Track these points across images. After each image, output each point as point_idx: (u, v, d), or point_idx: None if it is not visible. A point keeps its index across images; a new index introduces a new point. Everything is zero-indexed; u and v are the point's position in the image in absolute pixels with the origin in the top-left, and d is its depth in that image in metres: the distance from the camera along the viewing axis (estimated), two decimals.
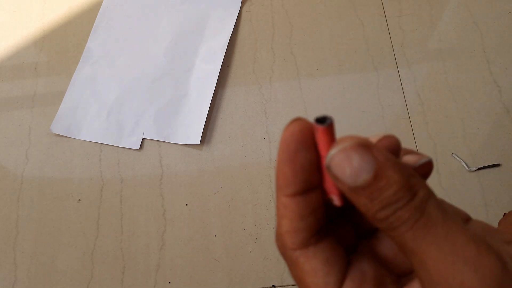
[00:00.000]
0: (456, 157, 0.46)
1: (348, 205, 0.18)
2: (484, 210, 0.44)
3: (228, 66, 0.52)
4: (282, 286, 0.42)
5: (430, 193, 0.16)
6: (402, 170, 0.16)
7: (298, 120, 0.17)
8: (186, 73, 0.52)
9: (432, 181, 0.45)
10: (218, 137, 0.49)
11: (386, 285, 0.18)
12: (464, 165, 0.45)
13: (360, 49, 0.52)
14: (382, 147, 0.16)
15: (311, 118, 0.49)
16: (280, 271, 0.42)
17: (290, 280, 0.42)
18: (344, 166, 0.16)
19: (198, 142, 0.48)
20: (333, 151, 0.16)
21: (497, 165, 0.45)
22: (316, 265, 0.17)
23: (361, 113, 0.49)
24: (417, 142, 0.47)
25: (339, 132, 0.44)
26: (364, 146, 0.16)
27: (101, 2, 0.57)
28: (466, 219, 0.18)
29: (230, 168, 0.47)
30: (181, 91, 0.51)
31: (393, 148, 0.17)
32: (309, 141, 0.17)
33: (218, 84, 0.51)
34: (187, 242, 0.44)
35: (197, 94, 0.50)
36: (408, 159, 0.18)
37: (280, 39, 0.53)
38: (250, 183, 0.46)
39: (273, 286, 0.42)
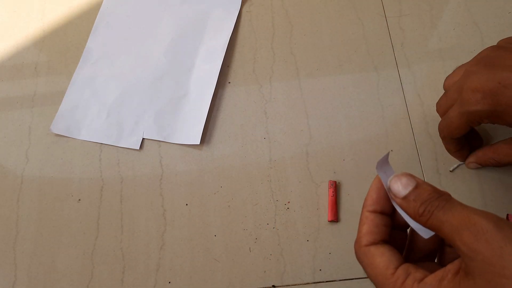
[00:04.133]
0: None
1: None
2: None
3: (228, 66, 0.52)
4: (282, 286, 0.42)
5: (451, 196, 0.26)
6: (431, 185, 0.26)
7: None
8: (186, 73, 0.52)
9: (432, 181, 0.45)
10: (218, 137, 0.49)
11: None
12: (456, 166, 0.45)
13: (360, 49, 0.52)
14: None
15: (311, 117, 0.49)
16: (280, 271, 0.42)
17: (290, 280, 0.42)
18: (397, 183, 0.27)
19: (198, 142, 0.48)
20: (391, 177, 0.27)
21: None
22: (383, 250, 0.27)
23: (361, 113, 0.49)
24: (417, 142, 0.47)
25: (340, 131, 0.44)
26: (408, 173, 0.27)
27: (101, 2, 0.57)
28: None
29: (230, 168, 0.47)
30: (181, 91, 0.51)
31: None
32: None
33: (218, 84, 0.51)
34: (187, 242, 0.44)
35: (197, 94, 0.50)
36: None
37: (280, 39, 0.53)
38: (250, 183, 0.46)
39: (273, 286, 0.42)
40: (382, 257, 0.26)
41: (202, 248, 0.44)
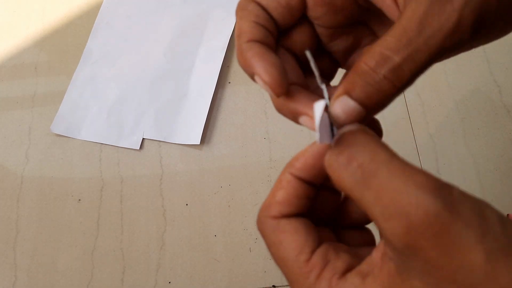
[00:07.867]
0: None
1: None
2: None
3: (228, 66, 0.52)
4: (282, 286, 0.42)
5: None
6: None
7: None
8: (186, 73, 0.52)
9: None
10: (218, 137, 0.49)
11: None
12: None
13: None
14: None
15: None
16: (280, 271, 0.42)
17: None
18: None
19: (198, 142, 0.48)
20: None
21: None
22: (297, 226, 0.19)
23: None
24: (417, 142, 0.47)
25: None
26: None
27: (101, 2, 0.57)
28: None
29: (230, 168, 0.47)
30: (181, 91, 0.51)
31: None
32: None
33: (218, 84, 0.51)
34: (187, 242, 0.44)
35: (197, 94, 0.50)
36: None
37: None
38: (250, 183, 0.46)
39: (273, 286, 0.42)
40: (295, 235, 0.19)
41: (202, 248, 0.44)
